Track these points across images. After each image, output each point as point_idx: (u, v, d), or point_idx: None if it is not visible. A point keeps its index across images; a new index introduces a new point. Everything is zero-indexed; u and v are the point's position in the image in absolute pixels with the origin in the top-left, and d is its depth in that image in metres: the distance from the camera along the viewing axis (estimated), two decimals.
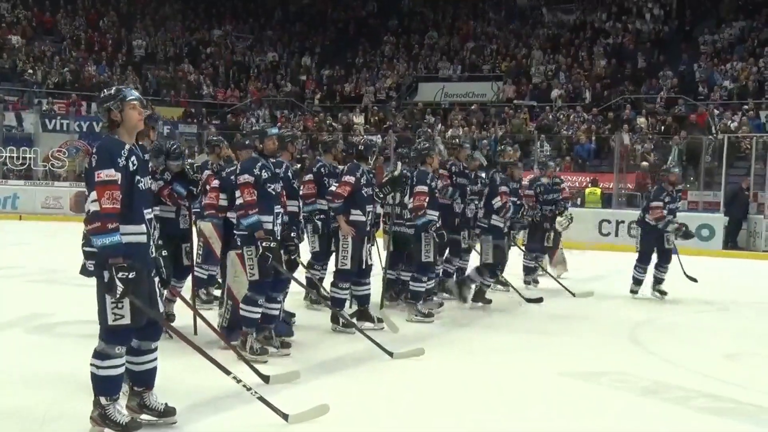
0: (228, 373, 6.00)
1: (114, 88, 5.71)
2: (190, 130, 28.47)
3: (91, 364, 5.30)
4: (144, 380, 5.60)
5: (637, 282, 12.52)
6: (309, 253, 10.68)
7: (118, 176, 5.20)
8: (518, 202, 11.64)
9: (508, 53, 32.44)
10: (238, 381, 5.85)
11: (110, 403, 5.33)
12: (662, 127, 26.12)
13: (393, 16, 36.95)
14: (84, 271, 5.98)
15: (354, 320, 9.22)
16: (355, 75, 33.44)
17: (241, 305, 7.89)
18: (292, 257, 8.65)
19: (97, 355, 5.29)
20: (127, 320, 5.23)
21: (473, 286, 11.47)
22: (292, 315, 9.40)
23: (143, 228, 5.42)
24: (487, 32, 34.20)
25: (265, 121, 28.89)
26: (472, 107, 29.81)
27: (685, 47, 30.69)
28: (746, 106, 26.11)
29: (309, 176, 10.41)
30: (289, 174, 8.89)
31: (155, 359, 5.65)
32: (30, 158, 25.62)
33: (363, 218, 9.34)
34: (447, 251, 11.55)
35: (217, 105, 31.88)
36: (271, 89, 33.14)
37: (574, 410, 6.66)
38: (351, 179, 9.26)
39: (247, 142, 8.71)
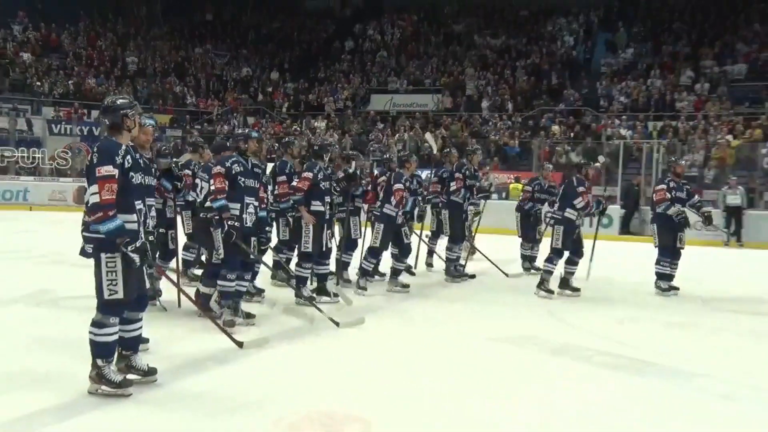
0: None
1: (127, 98, 5.80)
2: (175, 134, 28.33)
3: (90, 332, 5.37)
4: (131, 345, 5.66)
5: (665, 277, 11.10)
6: (278, 239, 10.55)
7: (116, 172, 5.27)
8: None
9: (446, 70, 32.53)
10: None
11: (105, 364, 5.37)
12: (572, 134, 26.40)
13: (349, 38, 36.93)
14: (83, 253, 6.38)
15: (314, 295, 9.33)
16: (317, 87, 33.40)
17: (218, 281, 7.89)
18: (262, 248, 8.96)
19: (95, 324, 5.35)
20: (120, 295, 5.30)
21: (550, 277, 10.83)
22: (262, 291, 9.54)
23: (134, 217, 5.45)
24: (429, 52, 34.27)
25: (240, 127, 28.81)
26: (416, 115, 29.92)
27: (589, 69, 31.05)
28: (638, 119, 26.71)
29: (282, 177, 10.13)
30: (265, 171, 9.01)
31: (141, 327, 5.74)
32: (39, 158, 25.54)
33: (322, 208, 9.30)
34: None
35: (199, 112, 31.73)
36: (245, 99, 33.03)
37: (499, 369, 6.74)
38: (309, 175, 9.30)
39: (229, 144, 8.72)
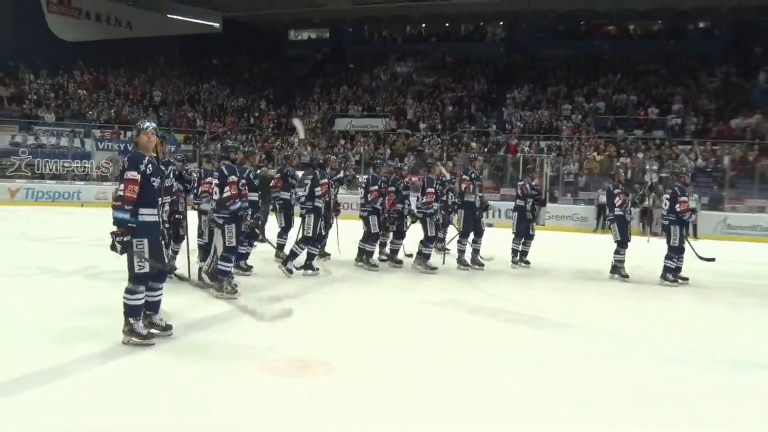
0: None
1: (140, 120, 5.98)
2: (188, 148, 28.08)
3: (123, 297, 5.52)
4: (153, 307, 5.72)
5: (673, 270, 9.98)
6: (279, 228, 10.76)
7: (139, 177, 5.36)
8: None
9: (392, 100, 32.65)
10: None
11: (135, 321, 5.51)
12: (485, 149, 26.77)
13: (319, 75, 36.91)
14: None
15: (301, 269, 9.49)
16: (294, 113, 33.31)
17: (219, 261, 7.69)
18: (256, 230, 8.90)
19: (127, 291, 5.50)
20: (146, 270, 5.44)
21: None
22: (251, 267, 9.51)
23: (155, 211, 5.52)
24: (379, 86, 34.36)
25: (234, 142, 28.73)
26: (369, 134, 30.04)
27: (500, 100, 31.46)
28: (532, 139, 27.13)
29: (278, 174, 10.66)
30: (251, 175, 8.60)
31: (161, 294, 5.78)
32: (88, 167, 25.37)
33: (321, 205, 9.40)
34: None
35: (206, 132, 31.49)
36: (240, 122, 32.87)
37: (426, 326, 6.89)
38: (325, 181, 9.46)
39: (223, 154, 8.70)
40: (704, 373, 5.44)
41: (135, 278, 5.50)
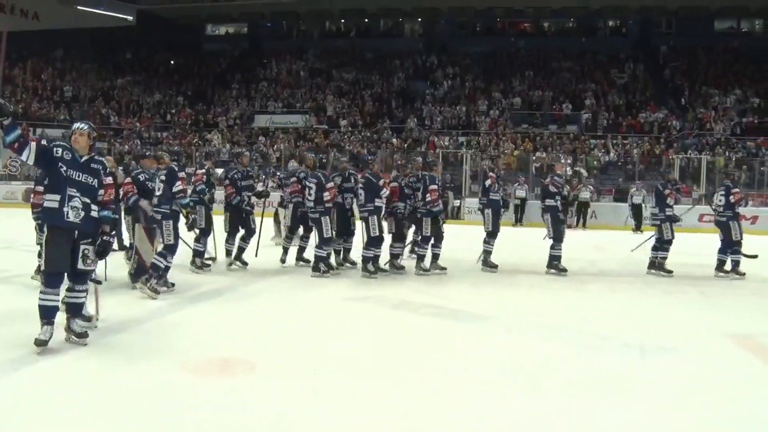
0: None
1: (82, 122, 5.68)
2: (101, 145, 27.20)
3: (70, 295, 5.50)
4: (72, 310, 5.52)
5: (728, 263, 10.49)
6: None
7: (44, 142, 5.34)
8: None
9: (312, 96, 32.52)
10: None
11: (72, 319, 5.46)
12: (405, 145, 26.99)
13: (238, 70, 36.39)
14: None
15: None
16: (213, 109, 32.78)
17: (154, 257, 7.71)
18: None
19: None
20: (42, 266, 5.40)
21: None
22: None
23: (57, 197, 5.23)
24: (299, 83, 34.14)
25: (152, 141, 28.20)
26: (290, 131, 29.84)
27: (419, 96, 31.76)
28: (451, 135, 27.50)
29: (293, 179, 10.19)
30: (236, 176, 9.81)
31: (83, 296, 5.59)
32: None
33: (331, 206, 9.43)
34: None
35: (121, 129, 30.63)
36: (157, 119, 32.11)
37: (351, 321, 6.96)
38: (332, 185, 9.39)
39: (147, 154, 8.65)
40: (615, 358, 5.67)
41: (43, 276, 5.38)
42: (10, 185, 23.68)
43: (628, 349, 5.94)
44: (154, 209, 7.85)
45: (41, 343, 5.19)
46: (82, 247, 5.36)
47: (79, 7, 34.76)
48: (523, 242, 14.20)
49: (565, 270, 10.23)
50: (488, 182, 10.61)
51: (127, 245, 9.35)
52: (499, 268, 10.47)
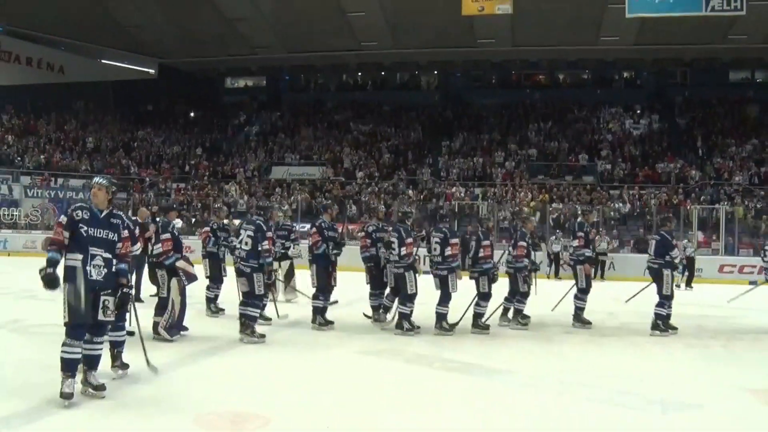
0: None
1: (102, 177, 5.86)
2: (121, 196, 27.50)
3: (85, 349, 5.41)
4: (88, 362, 5.47)
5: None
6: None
7: (64, 220, 5.40)
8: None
9: (329, 148, 32.77)
10: None
11: (64, 377, 5.28)
12: (422, 197, 27.03)
13: (256, 123, 36.87)
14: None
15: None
16: (231, 160, 33.09)
17: (247, 309, 8.28)
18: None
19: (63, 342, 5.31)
20: (66, 319, 5.30)
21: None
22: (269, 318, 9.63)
23: (80, 256, 5.32)
24: (317, 135, 34.45)
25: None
26: (306, 182, 30.00)
27: (435, 150, 31.95)
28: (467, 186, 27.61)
29: (314, 229, 9.55)
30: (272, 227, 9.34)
31: (100, 349, 5.55)
32: (16, 215, 24.65)
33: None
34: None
35: (140, 180, 30.96)
36: (176, 170, 32.45)
37: (365, 376, 6.85)
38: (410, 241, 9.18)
39: (174, 206, 8.83)
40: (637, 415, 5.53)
41: (66, 329, 5.31)
42: (30, 234, 23.88)
43: (649, 405, 5.82)
44: (243, 263, 8.29)
45: (67, 396, 5.18)
46: (102, 298, 5.43)
47: (103, 61, 35.74)
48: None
49: (589, 323, 10.05)
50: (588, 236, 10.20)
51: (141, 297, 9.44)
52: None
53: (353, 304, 10.83)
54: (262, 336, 8.33)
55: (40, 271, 5.23)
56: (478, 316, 9.47)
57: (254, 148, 34.00)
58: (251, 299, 8.33)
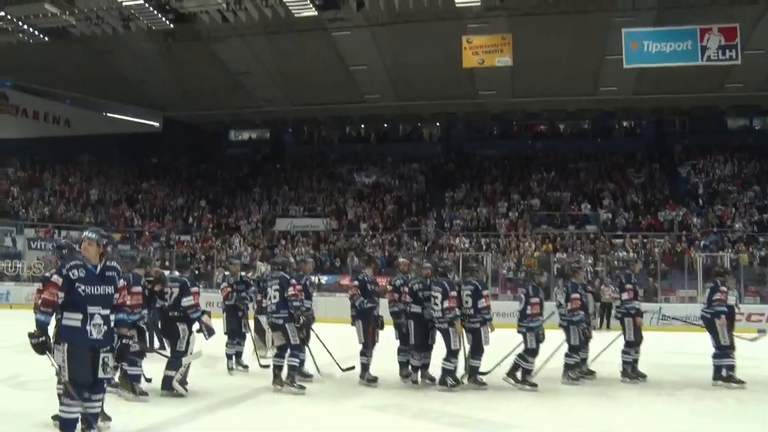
0: None
1: (91, 230, 5.71)
2: (124, 247, 27.41)
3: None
4: (86, 421, 5.36)
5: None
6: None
7: (60, 280, 5.22)
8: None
9: (333, 200, 32.85)
10: None
11: None
12: (426, 248, 26.92)
13: (260, 174, 37.07)
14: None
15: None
16: (235, 213, 33.16)
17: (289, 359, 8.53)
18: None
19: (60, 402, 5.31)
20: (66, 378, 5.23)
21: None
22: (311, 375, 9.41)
23: (80, 316, 5.23)
24: (320, 187, 34.58)
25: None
26: (310, 234, 29.95)
27: (438, 201, 32.02)
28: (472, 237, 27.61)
29: (355, 282, 9.50)
30: (307, 282, 9.71)
31: (98, 406, 5.46)
32: (19, 267, 24.53)
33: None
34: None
35: (144, 232, 30.97)
36: (179, 222, 32.49)
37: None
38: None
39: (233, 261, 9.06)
40: None
41: (63, 386, 5.24)
42: (33, 286, 23.70)
43: None
44: (274, 317, 8.55)
45: None
46: (101, 355, 5.34)
47: (108, 114, 36.15)
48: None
49: (643, 375, 9.86)
50: (625, 296, 9.91)
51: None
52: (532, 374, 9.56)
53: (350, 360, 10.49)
54: (302, 387, 8.53)
55: (31, 337, 5.14)
56: (526, 372, 9.24)
57: (258, 201, 34.10)
58: (291, 350, 8.55)
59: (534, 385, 9.16)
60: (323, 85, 30.50)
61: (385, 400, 8.24)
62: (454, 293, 8.87)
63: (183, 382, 8.16)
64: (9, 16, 24.07)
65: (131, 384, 7.69)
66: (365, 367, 9.29)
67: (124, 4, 23.05)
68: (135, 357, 7.53)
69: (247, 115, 37.39)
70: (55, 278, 5.27)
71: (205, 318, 8.22)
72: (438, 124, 38.60)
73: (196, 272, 22.30)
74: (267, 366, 9.54)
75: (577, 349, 9.67)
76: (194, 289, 8.31)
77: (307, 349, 9.16)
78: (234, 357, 10.20)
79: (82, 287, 5.26)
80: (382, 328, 9.47)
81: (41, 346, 5.13)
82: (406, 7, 22.61)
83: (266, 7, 22.87)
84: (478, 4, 22.22)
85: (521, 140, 37.07)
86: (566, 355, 9.72)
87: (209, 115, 37.22)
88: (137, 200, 33.90)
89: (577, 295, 9.56)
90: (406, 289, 9.38)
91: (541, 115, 36.16)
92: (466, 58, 23.28)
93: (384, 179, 34.49)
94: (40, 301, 5.25)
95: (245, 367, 10.23)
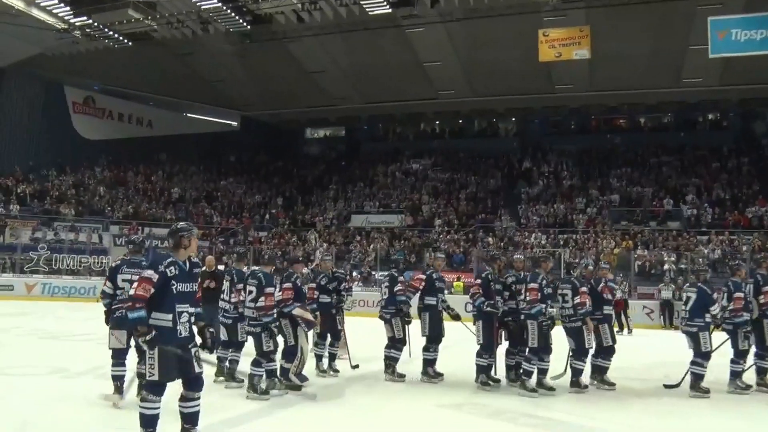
0: None
1: (186, 223, 5.60)
2: (204, 244, 28.05)
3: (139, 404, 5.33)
4: (188, 419, 5.33)
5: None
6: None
7: (156, 277, 5.09)
8: None
9: (407, 197, 32.87)
10: None
11: None
12: (501, 244, 26.59)
13: (335, 171, 37.43)
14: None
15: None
16: (311, 209, 33.57)
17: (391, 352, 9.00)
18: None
19: (141, 398, 5.27)
20: (155, 377, 5.16)
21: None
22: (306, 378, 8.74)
23: (170, 316, 5.14)
24: (395, 183, 34.67)
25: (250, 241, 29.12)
26: (384, 230, 30.04)
27: (511, 196, 31.59)
28: (548, 233, 26.97)
29: (478, 281, 8.93)
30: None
31: (197, 405, 5.35)
32: (105, 262, 25.27)
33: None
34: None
35: (222, 229, 31.67)
36: (257, 219, 33.10)
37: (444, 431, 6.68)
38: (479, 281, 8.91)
39: (300, 258, 9.08)
40: None
41: (148, 385, 5.23)
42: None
43: None
44: (384, 311, 9.07)
45: None
46: (192, 351, 5.28)
47: (188, 115, 37.18)
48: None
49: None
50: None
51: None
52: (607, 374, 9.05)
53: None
54: (402, 375, 8.99)
55: (139, 335, 5.07)
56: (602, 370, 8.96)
57: (333, 197, 34.41)
58: (393, 343, 9.07)
59: (612, 384, 8.79)
60: (397, 82, 30.56)
61: (460, 399, 8.08)
62: (584, 289, 8.55)
63: (299, 375, 8.41)
64: (95, 23, 25.09)
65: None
66: (483, 368, 8.69)
67: (203, 7, 23.74)
68: (119, 357, 7.33)
69: (322, 113, 37.82)
70: (150, 274, 5.12)
71: (298, 311, 8.14)
72: (514, 119, 38.12)
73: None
74: (357, 366, 9.62)
75: (746, 354, 8.79)
76: (286, 285, 8.19)
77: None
78: (327, 359, 9.57)
79: (176, 285, 5.20)
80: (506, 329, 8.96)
81: (154, 342, 5.01)
82: (481, 2, 22.41)
83: (341, 6, 23.10)
84: None
85: (600, 135, 36.16)
86: (732, 362, 8.85)
87: (285, 114, 37.80)
88: (216, 198, 34.73)
89: (741, 294, 8.68)
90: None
91: (620, 109, 35.16)
92: (542, 52, 22.91)
93: (459, 175, 34.27)
94: (129, 301, 5.10)
95: (336, 371, 9.54)
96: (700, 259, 23.33)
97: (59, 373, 9.00)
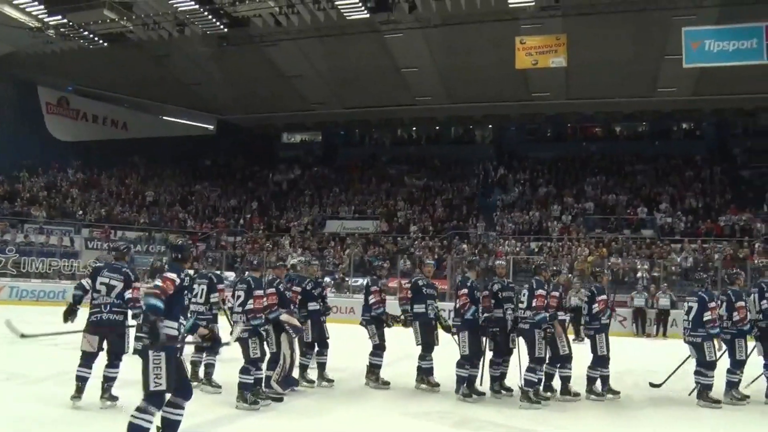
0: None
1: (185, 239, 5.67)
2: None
3: (132, 414, 5.19)
4: (171, 427, 5.25)
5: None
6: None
7: (178, 280, 5.17)
8: None
9: (382, 203, 32.80)
10: None
11: None
12: (476, 251, 26.59)
13: (311, 177, 37.30)
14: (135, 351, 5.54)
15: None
16: (285, 215, 33.37)
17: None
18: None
19: (138, 408, 5.13)
20: (162, 387, 5.08)
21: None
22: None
23: (176, 325, 5.17)
24: (370, 189, 34.59)
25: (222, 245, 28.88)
26: (356, 236, 29.91)
27: (487, 203, 31.71)
28: (523, 240, 27.05)
29: (464, 290, 8.55)
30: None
31: (182, 414, 5.30)
32: (75, 266, 24.96)
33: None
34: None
35: (196, 233, 31.36)
36: (231, 223, 32.84)
37: None
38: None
39: (278, 264, 8.87)
40: None
41: (151, 396, 5.06)
42: None
43: None
44: (362, 317, 9.34)
45: None
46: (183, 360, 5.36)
47: (164, 117, 36.85)
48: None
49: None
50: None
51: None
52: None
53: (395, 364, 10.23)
54: (387, 383, 9.08)
55: (149, 334, 4.90)
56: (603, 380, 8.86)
57: (308, 203, 34.26)
58: (373, 349, 9.24)
59: (576, 394, 8.69)
60: (375, 88, 30.55)
61: (426, 407, 8.01)
62: (603, 297, 8.52)
63: (291, 382, 8.40)
64: (70, 23, 24.78)
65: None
66: (463, 379, 8.43)
67: (180, 9, 23.53)
68: (87, 360, 7.28)
69: (299, 118, 37.73)
70: (174, 276, 5.16)
71: (285, 317, 8.01)
72: (490, 126, 38.24)
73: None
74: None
75: (744, 364, 8.71)
76: (270, 290, 8.00)
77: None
78: (317, 368, 9.26)
79: (183, 297, 5.35)
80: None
81: (161, 343, 4.92)
82: (459, 8, 22.44)
83: (319, 10, 23.02)
84: (533, 4, 21.96)
85: (575, 143, 36.42)
86: (728, 372, 8.74)
87: (262, 118, 37.62)
88: (191, 201, 34.43)
89: (743, 303, 8.66)
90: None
91: (596, 117, 35.49)
92: (519, 59, 22.97)
93: (435, 182, 34.28)
94: (154, 289, 4.98)
95: (330, 381, 9.21)
96: (673, 267, 23.56)
97: (17, 378, 8.85)
